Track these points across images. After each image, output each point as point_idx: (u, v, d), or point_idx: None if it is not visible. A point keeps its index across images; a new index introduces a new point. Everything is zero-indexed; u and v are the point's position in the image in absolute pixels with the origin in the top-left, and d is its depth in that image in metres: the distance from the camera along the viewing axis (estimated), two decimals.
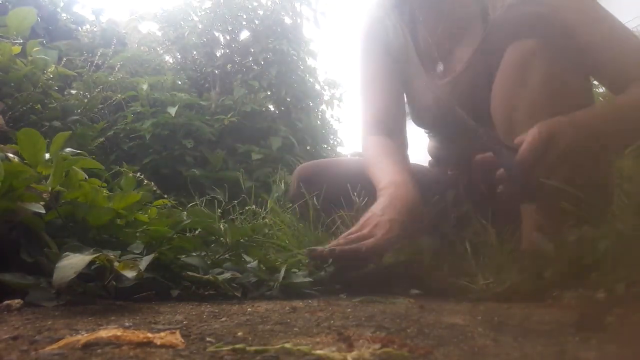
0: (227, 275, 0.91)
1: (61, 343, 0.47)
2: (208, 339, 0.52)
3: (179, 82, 3.57)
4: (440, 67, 1.34)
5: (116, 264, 0.73)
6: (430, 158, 1.60)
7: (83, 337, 0.48)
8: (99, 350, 0.45)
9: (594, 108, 1.08)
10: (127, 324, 0.60)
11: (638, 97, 1.03)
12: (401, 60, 1.42)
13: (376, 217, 1.08)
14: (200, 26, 4.11)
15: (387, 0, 1.44)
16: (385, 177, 1.18)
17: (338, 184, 1.34)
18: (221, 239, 1.08)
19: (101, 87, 2.67)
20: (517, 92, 1.06)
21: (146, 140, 2.89)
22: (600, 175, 1.05)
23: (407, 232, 1.08)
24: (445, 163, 1.52)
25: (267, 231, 1.58)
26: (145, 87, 3.04)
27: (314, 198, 1.40)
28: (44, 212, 0.82)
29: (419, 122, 1.47)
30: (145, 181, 1.57)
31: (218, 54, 4.16)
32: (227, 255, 1.04)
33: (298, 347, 0.47)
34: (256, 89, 3.74)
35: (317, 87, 4.48)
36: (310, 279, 0.99)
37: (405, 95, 1.44)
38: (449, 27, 1.31)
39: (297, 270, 1.06)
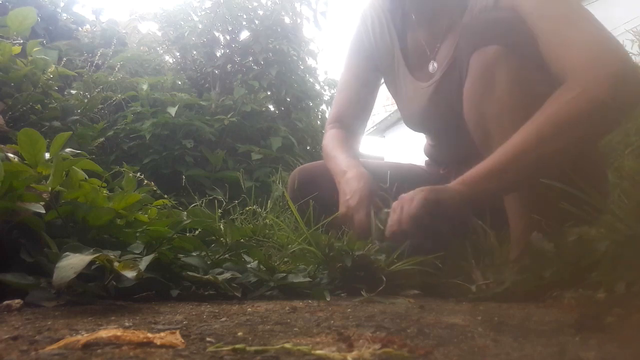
0: (227, 275, 0.91)
1: (61, 343, 0.47)
2: (208, 339, 0.52)
3: (179, 82, 3.57)
4: (434, 66, 1.33)
5: (116, 264, 0.73)
6: (427, 158, 1.60)
7: (83, 337, 0.48)
8: (99, 351, 0.45)
9: (507, 147, 0.97)
10: (127, 324, 0.60)
11: (554, 111, 0.93)
12: (386, 63, 1.42)
13: (345, 202, 1.23)
14: (200, 26, 4.10)
15: (381, 1, 1.43)
16: (340, 164, 1.35)
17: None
18: (221, 239, 1.08)
19: (101, 87, 2.68)
20: (484, 100, 1.05)
21: (146, 140, 2.89)
22: (594, 173, 1.04)
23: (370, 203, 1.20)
24: (439, 162, 1.52)
25: (267, 231, 1.58)
26: (145, 87, 3.04)
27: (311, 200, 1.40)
28: (44, 212, 0.82)
29: (407, 123, 1.48)
30: (145, 181, 1.57)
31: (218, 54, 4.15)
32: (227, 255, 1.04)
33: (298, 347, 0.47)
34: (256, 89, 3.73)
35: (317, 87, 4.48)
36: (310, 279, 0.99)
37: (394, 99, 1.50)
38: (440, 27, 1.30)
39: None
